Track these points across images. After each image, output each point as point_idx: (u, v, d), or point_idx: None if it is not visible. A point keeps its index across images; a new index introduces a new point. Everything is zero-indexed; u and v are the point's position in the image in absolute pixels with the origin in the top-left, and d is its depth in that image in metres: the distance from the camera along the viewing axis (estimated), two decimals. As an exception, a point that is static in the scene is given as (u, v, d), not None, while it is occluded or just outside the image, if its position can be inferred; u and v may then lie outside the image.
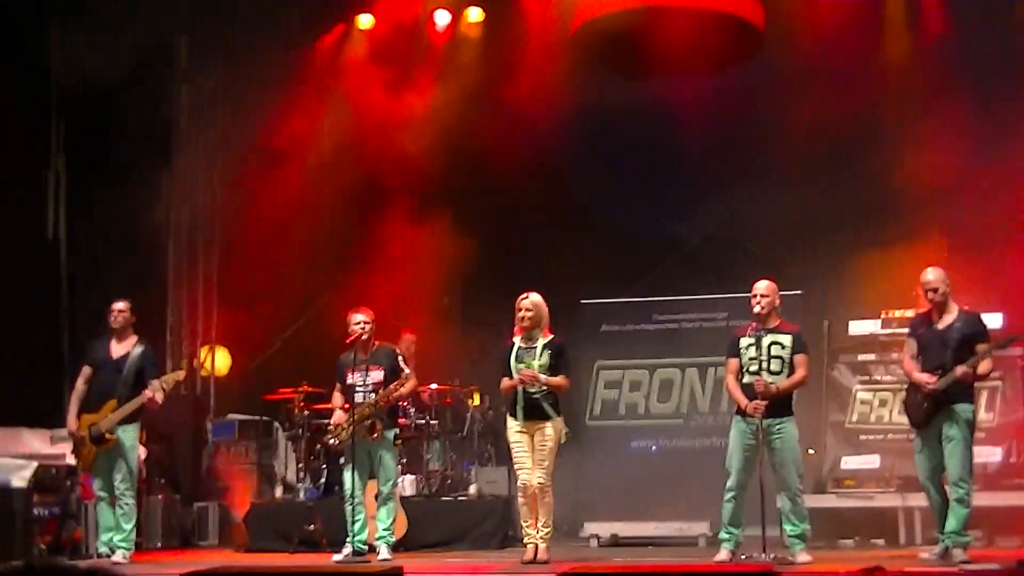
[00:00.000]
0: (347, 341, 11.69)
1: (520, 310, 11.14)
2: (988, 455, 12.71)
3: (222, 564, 10.28)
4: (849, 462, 13.37)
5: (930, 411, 10.52)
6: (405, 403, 12.92)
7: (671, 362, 14.13)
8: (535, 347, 11.06)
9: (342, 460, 11.75)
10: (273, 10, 15.78)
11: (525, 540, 11.14)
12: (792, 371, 10.71)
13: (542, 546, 10.97)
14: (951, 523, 10.42)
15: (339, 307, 12.49)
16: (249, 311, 15.77)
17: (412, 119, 15.75)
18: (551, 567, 10.27)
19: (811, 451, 12.99)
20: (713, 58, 14.60)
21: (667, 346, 14.20)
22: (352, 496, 11.40)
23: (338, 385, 11.86)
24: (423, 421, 13.72)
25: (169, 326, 16.51)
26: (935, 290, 10.67)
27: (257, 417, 15.37)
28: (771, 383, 10.58)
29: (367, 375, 11.60)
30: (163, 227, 16.49)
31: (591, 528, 13.48)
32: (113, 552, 11.63)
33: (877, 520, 12.82)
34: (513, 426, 11.09)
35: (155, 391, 11.69)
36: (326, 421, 12.33)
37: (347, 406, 11.61)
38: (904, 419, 11.09)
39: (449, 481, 13.85)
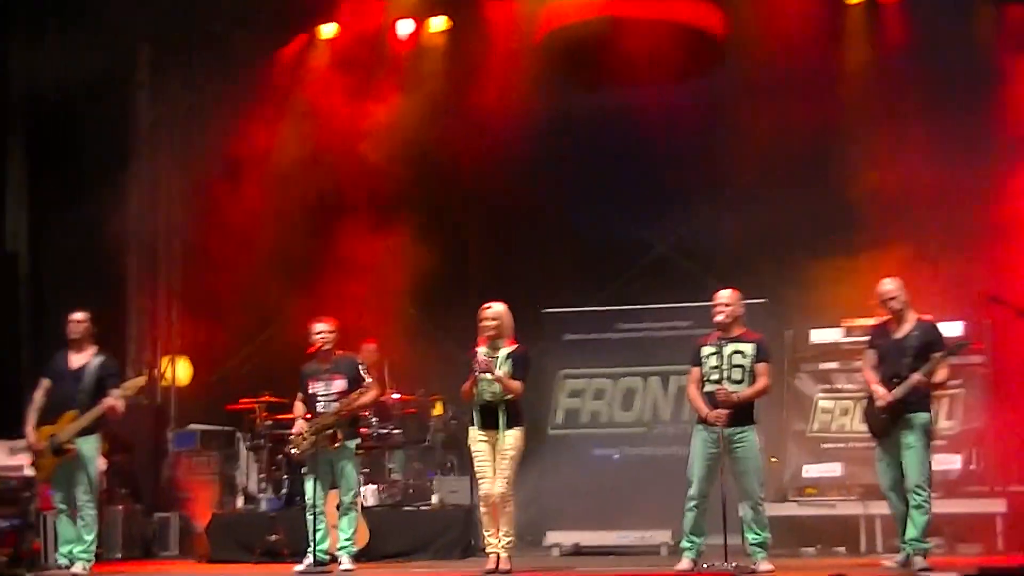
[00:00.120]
0: (309, 351, 11.66)
1: (484, 320, 11.11)
2: (949, 462, 12.75)
3: (182, 575, 10.24)
4: (811, 470, 13.41)
5: (888, 421, 10.54)
6: (367, 412, 12.89)
7: (634, 371, 14.15)
8: (498, 356, 11.04)
9: (304, 470, 11.71)
10: (236, 19, 15.75)
11: (487, 550, 11.07)
12: (754, 380, 10.70)
13: (504, 556, 10.92)
14: (911, 530, 10.43)
15: (301, 317, 12.44)
16: (211, 321, 15.76)
17: (375, 128, 15.74)
18: (513, 577, 10.26)
19: (773, 459, 13.03)
20: (675, 68, 14.67)
21: (630, 355, 14.21)
22: (314, 506, 11.36)
23: (300, 395, 11.81)
24: (385, 431, 13.70)
25: (130, 336, 16.48)
26: (894, 298, 10.70)
27: (219, 427, 15.36)
28: (733, 392, 10.58)
29: (329, 384, 11.58)
30: (124, 237, 16.41)
31: (553, 537, 13.49)
32: (73, 563, 11.55)
33: (839, 528, 12.87)
34: (475, 435, 11.04)
35: (116, 399, 11.63)
36: (288, 431, 12.25)
37: (309, 416, 11.57)
38: (866, 427, 11.11)
39: (411, 491, 13.82)
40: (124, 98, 16.57)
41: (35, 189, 16.00)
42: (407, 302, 15.24)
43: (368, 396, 11.67)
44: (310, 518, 11.35)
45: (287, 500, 13.55)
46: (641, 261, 15.64)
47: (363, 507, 12.57)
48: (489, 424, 10.96)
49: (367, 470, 13.28)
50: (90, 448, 11.68)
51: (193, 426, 15.53)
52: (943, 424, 12.75)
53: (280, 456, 13.52)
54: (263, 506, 13.73)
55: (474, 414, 11.07)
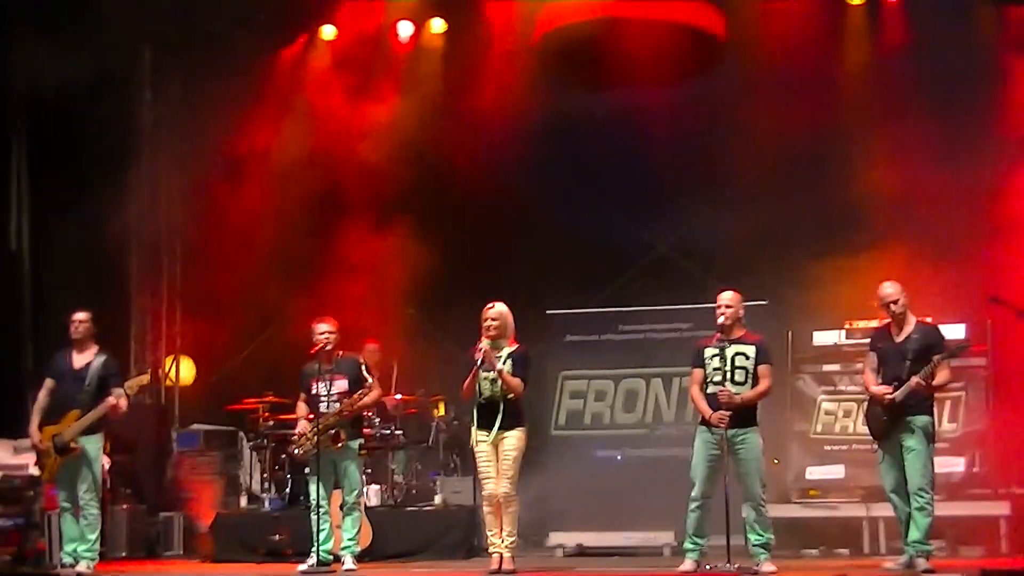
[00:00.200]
0: (311, 351, 11.66)
1: (486, 320, 11.12)
2: (951, 465, 12.77)
3: (185, 574, 10.25)
4: (813, 472, 13.44)
5: (888, 423, 10.57)
6: (370, 413, 12.90)
7: (636, 372, 14.18)
8: (500, 356, 11.05)
9: (307, 470, 11.72)
10: (237, 20, 15.74)
11: (490, 550, 11.08)
12: (756, 381, 10.73)
13: (507, 556, 10.94)
14: (913, 532, 10.46)
15: (303, 317, 12.45)
16: (213, 320, 15.74)
17: (375, 129, 15.79)
18: (516, 577, 10.26)
19: (776, 461, 13.05)
20: (674, 69, 14.70)
21: (632, 356, 14.24)
22: (318, 506, 11.37)
23: (302, 395, 11.83)
24: (388, 431, 13.70)
25: (133, 336, 16.50)
26: (895, 302, 10.72)
27: (221, 427, 15.38)
28: (735, 393, 10.60)
29: (331, 385, 11.59)
30: (126, 237, 16.40)
31: (557, 538, 13.51)
32: (77, 562, 11.57)
33: (841, 530, 12.89)
34: (477, 436, 11.06)
35: (119, 397, 11.65)
36: (290, 431, 12.29)
37: (311, 416, 11.59)
38: (867, 429, 11.13)
39: (414, 491, 13.87)
40: (125, 98, 16.55)
41: (37, 189, 15.99)
42: (408, 302, 15.23)
43: (370, 396, 11.68)
44: (314, 518, 11.36)
45: (290, 500, 13.57)
46: (641, 262, 15.69)
47: (366, 507, 12.59)
48: (489, 423, 10.96)
49: (369, 470, 13.29)
50: (93, 447, 11.71)
51: (196, 426, 15.57)
52: (945, 427, 12.78)
53: (283, 456, 13.55)
54: (266, 506, 13.77)
55: (474, 413, 11.09)
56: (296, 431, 11.79)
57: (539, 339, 13.48)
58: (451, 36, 16.30)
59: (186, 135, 16.54)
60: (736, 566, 10.43)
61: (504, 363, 10.94)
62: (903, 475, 10.54)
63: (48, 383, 11.95)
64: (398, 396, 13.97)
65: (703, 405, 10.76)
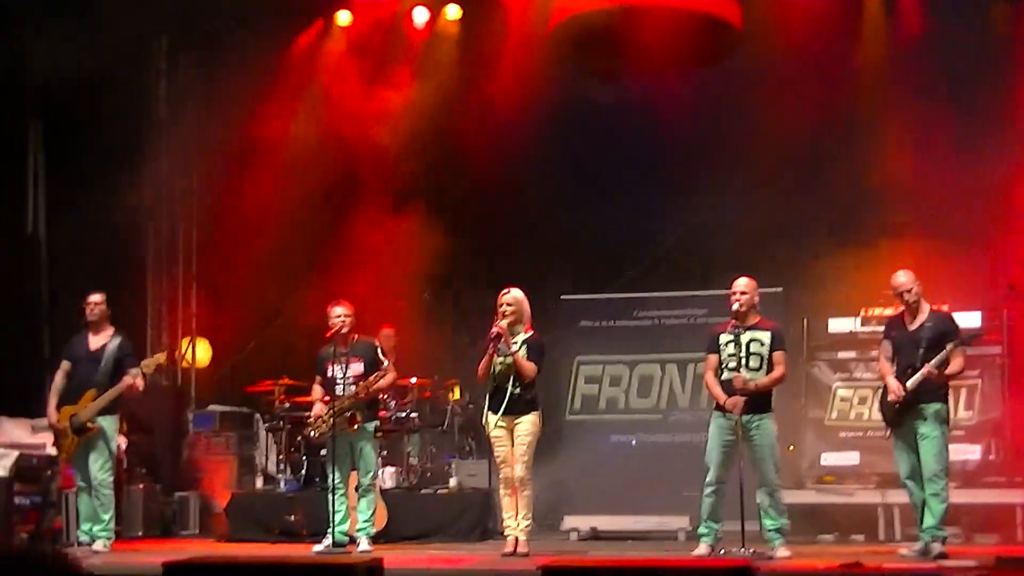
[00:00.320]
0: (327, 334, 11.67)
1: (501, 305, 11.17)
2: (967, 453, 12.78)
3: (200, 554, 10.27)
4: (828, 458, 13.42)
5: (901, 411, 10.61)
6: (385, 396, 12.94)
7: (651, 358, 14.17)
8: (515, 342, 11.09)
9: (323, 452, 11.75)
10: (252, 6, 15.78)
11: (505, 533, 11.16)
12: (771, 368, 10.75)
13: (522, 539, 11.00)
14: (928, 519, 10.49)
15: (319, 300, 12.47)
16: (229, 304, 15.77)
17: (390, 115, 15.79)
18: (531, 560, 10.20)
19: (791, 447, 13.07)
20: (690, 57, 14.71)
21: (647, 342, 14.24)
22: (334, 488, 11.40)
23: (318, 378, 11.86)
24: (403, 414, 13.75)
25: (149, 318, 16.56)
26: (908, 291, 10.75)
27: (237, 409, 15.44)
28: (750, 380, 10.64)
29: (347, 368, 11.62)
30: (142, 220, 16.49)
31: (571, 522, 13.50)
32: (94, 541, 11.64)
33: (857, 516, 12.87)
34: (492, 421, 11.11)
35: (135, 377, 11.71)
36: (306, 413, 12.32)
37: (327, 399, 11.63)
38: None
39: (429, 474, 13.89)
40: (141, 85, 16.60)
41: (53, 174, 16.05)
42: (423, 287, 15.25)
43: (387, 379, 11.71)
44: (330, 499, 11.38)
45: (305, 481, 13.63)
46: (656, 249, 15.66)
47: (381, 489, 12.65)
48: (507, 410, 11.01)
49: (385, 453, 13.33)
50: (110, 427, 11.81)
51: (212, 407, 15.63)
52: (961, 414, 12.79)
53: (299, 438, 13.60)
54: (282, 487, 13.83)
55: (488, 396, 11.13)
56: (312, 413, 11.82)
57: (553, 324, 13.55)
58: (466, 23, 16.28)
59: (202, 121, 16.57)
60: (751, 551, 10.43)
61: (519, 348, 10.99)
62: (918, 461, 10.57)
63: (64, 365, 12.04)
64: (413, 380, 13.96)
65: (718, 391, 10.79)
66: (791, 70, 14.53)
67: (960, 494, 11.45)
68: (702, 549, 10.72)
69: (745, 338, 10.76)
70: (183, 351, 16.61)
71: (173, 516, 14.60)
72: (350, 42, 16.54)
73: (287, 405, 14.06)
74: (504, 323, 11.02)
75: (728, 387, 10.70)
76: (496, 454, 11.18)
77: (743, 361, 10.71)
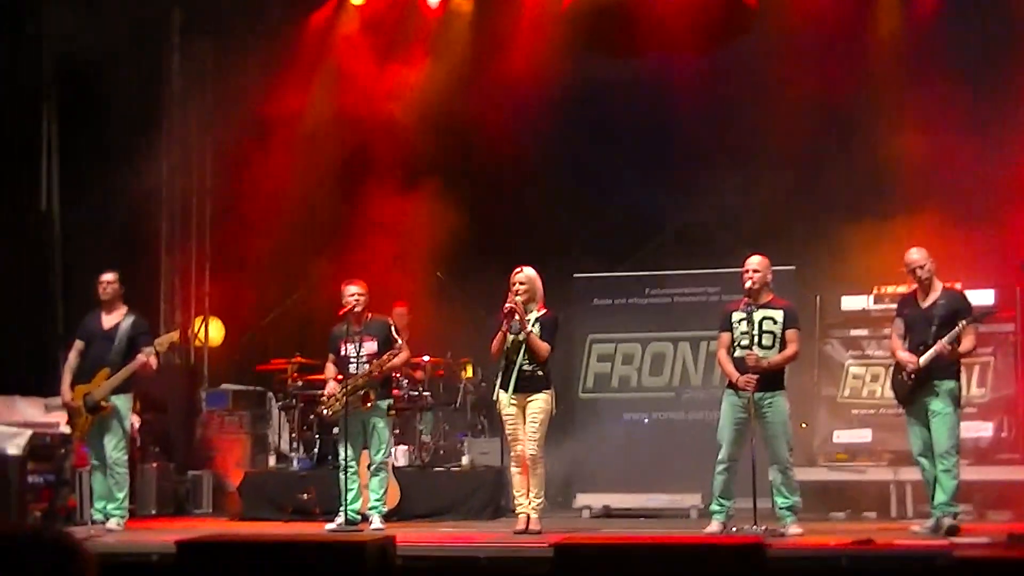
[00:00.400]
0: (340, 313, 11.69)
1: (514, 284, 11.17)
2: (979, 430, 12.78)
3: (213, 532, 10.30)
4: (841, 436, 13.43)
5: (913, 388, 10.61)
6: (398, 375, 12.95)
7: (664, 336, 14.14)
8: (529, 319, 11.09)
9: (335, 430, 11.77)
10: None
11: (517, 510, 11.18)
12: (783, 346, 10.75)
13: (534, 516, 11.02)
14: (940, 495, 10.51)
15: (332, 279, 12.49)
16: (242, 282, 15.75)
17: (404, 93, 15.77)
18: (543, 538, 10.19)
19: (803, 425, 13.07)
20: (705, 35, 14.65)
21: (660, 320, 14.22)
22: (346, 466, 11.42)
23: (331, 356, 11.87)
24: (416, 393, 13.76)
25: (162, 297, 16.56)
26: (921, 267, 10.74)
27: (250, 387, 15.46)
28: (762, 358, 10.63)
29: (361, 346, 11.63)
30: (156, 198, 16.47)
31: (583, 499, 13.52)
32: (107, 519, 11.67)
33: (869, 493, 12.91)
34: (505, 399, 11.13)
35: (149, 355, 11.72)
36: (319, 392, 12.34)
37: (340, 377, 11.64)
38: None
39: (442, 452, 13.92)
40: (155, 61, 16.58)
41: (67, 151, 16.03)
42: (436, 265, 15.25)
43: (400, 357, 11.73)
44: (343, 477, 11.41)
45: (318, 460, 13.66)
46: (669, 227, 15.65)
47: (394, 468, 12.67)
48: (519, 388, 11.03)
49: (397, 431, 13.32)
50: (123, 405, 11.82)
51: (225, 386, 15.63)
52: (974, 392, 12.78)
53: (311, 416, 13.60)
54: (294, 465, 13.85)
55: (505, 379, 11.13)
56: (325, 392, 11.84)
57: (566, 303, 13.49)
58: (480, 1, 16.25)
59: (216, 97, 16.57)
60: (763, 528, 10.42)
61: (533, 326, 11.00)
62: (930, 438, 10.58)
63: (78, 344, 12.04)
64: (426, 358, 13.96)
65: (730, 368, 10.79)
66: (806, 46, 14.47)
67: (973, 471, 11.46)
68: (714, 527, 10.74)
69: (758, 316, 10.75)
70: (196, 330, 16.62)
71: (186, 495, 14.65)
72: (364, 20, 16.47)
73: (300, 384, 14.07)
74: (518, 299, 11.02)
75: (741, 365, 10.69)
76: (508, 432, 11.20)
77: (756, 339, 10.70)
